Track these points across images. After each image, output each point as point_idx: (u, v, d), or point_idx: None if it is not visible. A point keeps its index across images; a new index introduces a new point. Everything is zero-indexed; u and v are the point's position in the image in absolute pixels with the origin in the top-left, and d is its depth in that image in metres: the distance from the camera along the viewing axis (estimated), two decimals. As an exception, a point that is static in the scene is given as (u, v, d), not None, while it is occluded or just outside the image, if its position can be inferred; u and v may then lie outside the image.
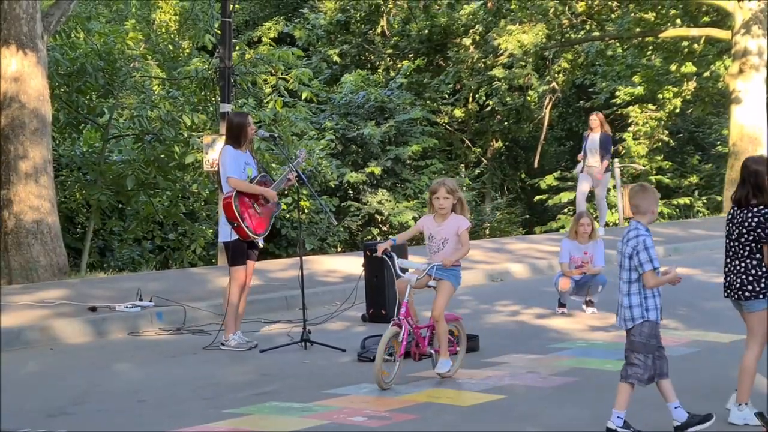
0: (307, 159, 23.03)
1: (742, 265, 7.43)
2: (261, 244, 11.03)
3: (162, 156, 21.34)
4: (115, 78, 21.75)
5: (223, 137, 12.03)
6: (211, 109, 21.58)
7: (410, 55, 37.55)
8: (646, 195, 7.31)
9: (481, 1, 35.53)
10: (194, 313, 12.41)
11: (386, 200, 27.18)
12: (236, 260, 10.73)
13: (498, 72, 35.17)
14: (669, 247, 20.06)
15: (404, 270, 9.24)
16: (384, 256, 9.15)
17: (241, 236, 10.61)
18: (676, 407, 7.29)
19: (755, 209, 7.33)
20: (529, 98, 37.94)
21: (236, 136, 10.78)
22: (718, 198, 35.32)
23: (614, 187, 33.02)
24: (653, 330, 7.31)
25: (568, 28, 35.27)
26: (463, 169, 38.08)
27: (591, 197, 21.36)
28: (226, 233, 10.69)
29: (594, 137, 19.66)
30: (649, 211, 7.29)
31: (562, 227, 35.85)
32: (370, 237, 26.56)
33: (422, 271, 9.03)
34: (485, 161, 40.08)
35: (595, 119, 19.83)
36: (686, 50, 34.87)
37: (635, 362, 7.24)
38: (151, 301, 12.64)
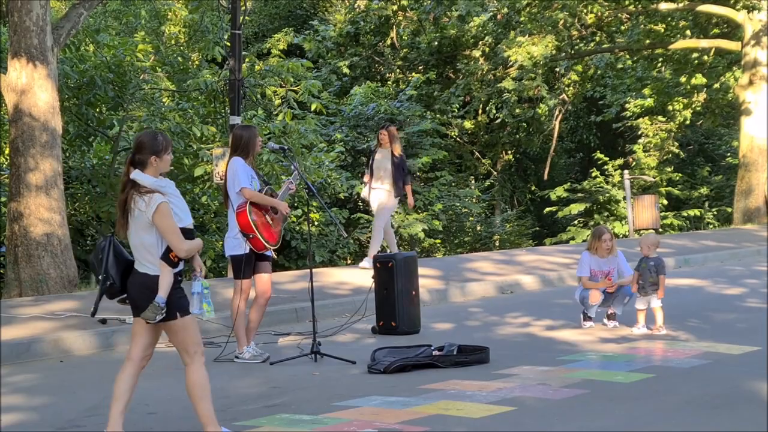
0: (314, 168, 23.05)
1: None
2: (272, 255, 11.03)
3: (171, 168, 21.35)
4: (125, 90, 21.78)
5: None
6: (221, 121, 21.60)
7: (420, 67, 37.57)
8: None
9: (491, 13, 35.53)
10: (204, 325, 12.38)
11: (396, 212, 27.16)
12: (243, 273, 10.71)
13: (507, 84, 35.17)
14: (679, 259, 20.03)
15: None
16: None
17: (256, 248, 10.58)
18: None
19: None
20: (539, 111, 37.95)
21: (245, 150, 10.78)
22: (728, 209, 35.28)
23: (624, 198, 33.02)
24: None
25: (578, 40, 35.26)
26: (473, 181, 38.07)
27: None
28: (232, 246, 10.67)
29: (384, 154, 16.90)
30: None
31: (572, 239, 35.86)
32: (380, 249, 26.54)
33: None
34: (495, 173, 40.08)
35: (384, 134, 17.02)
36: (696, 62, 34.85)
37: None
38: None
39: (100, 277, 7.06)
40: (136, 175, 6.92)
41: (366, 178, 17.21)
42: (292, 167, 11.63)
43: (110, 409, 7.14)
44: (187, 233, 7.00)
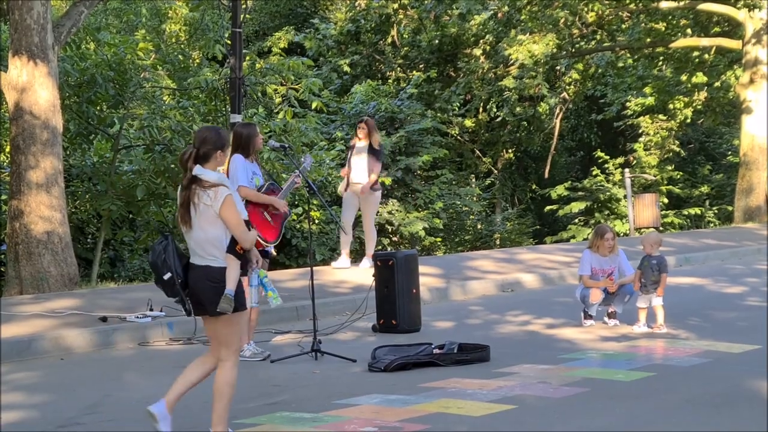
0: (314, 167, 23.03)
1: None
2: (272, 252, 11.02)
3: (172, 166, 21.34)
4: (126, 88, 21.76)
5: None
6: (222, 119, 21.58)
7: (421, 66, 37.55)
8: None
9: (492, 12, 35.52)
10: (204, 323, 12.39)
11: (396, 210, 27.15)
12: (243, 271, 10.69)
13: (508, 82, 35.16)
14: (680, 257, 20.03)
15: None
16: None
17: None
18: None
19: None
20: (540, 109, 37.95)
21: (245, 147, 10.78)
22: (729, 208, 35.28)
23: (625, 197, 33.03)
24: None
25: (579, 39, 35.26)
26: (474, 180, 38.06)
27: None
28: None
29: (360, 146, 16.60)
30: None
31: (573, 237, 35.87)
32: (380, 247, 26.55)
33: None
34: (496, 172, 40.08)
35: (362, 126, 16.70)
36: (697, 60, 34.86)
37: None
38: (161, 311, 12.63)
39: (165, 277, 7.00)
40: (199, 170, 6.97)
41: (343, 172, 16.81)
42: (302, 159, 11.58)
43: (171, 389, 7.20)
44: (245, 225, 7.13)
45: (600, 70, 37.97)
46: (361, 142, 16.56)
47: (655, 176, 37.49)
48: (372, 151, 16.42)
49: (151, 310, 12.67)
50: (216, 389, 7.11)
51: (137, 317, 12.38)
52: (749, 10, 29.67)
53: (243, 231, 6.93)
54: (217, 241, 6.96)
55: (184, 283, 7.04)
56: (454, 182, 31.90)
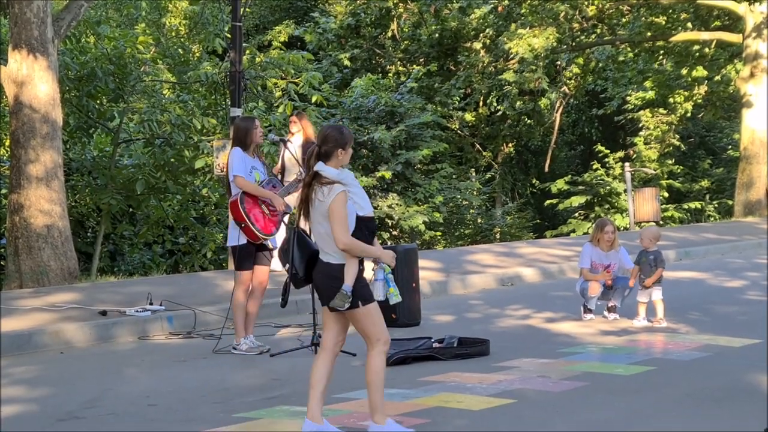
0: None
1: None
2: (273, 245, 10.98)
3: (172, 160, 21.34)
4: (126, 82, 21.77)
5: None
6: (222, 113, 21.58)
7: (421, 60, 37.53)
8: None
9: (492, 5, 35.49)
10: (204, 317, 12.40)
11: (396, 204, 27.12)
12: (242, 264, 10.70)
13: (508, 76, 35.13)
14: (680, 251, 20.02)
15: None
16: None
17: (249, 238, 10.56)
18: None
19: None
20: (541, 103, 37.94)
21: (242, 140, 10.76)
22: (729, 202, 35.30)
23: (625, 191, 33.01)
24: None
25: (579, 32, 35.24)
26: (474, 174, 38.05)
27: None
28: (234, 237, 10.67)
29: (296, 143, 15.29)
30: None
31: (573, 231, 35.87)
32: (380, 241, 26.48)
33: None
34: (496, 166, 40.07)
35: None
36: (697, 54, 34.85)
37: None
38: (161, 305, 12.64)
39: (285, 268, 7.32)
40: (319, 166, 7.05)
41: (276, 170, 15.44)
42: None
43: (308, 397, 7.21)
44: (369, 221, 7.20)
45: (600, 64, 37.97)
46: (295, 137, 15.42)
47: (655, 170, 37.48)
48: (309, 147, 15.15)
49: (151, 304, 12.67)
50: (367, 380, 7.20)
51: (137, 311, 12.38)
52: (749, 4, 29.65)
53: (342, 231, 6.97)
54: (332, 237, 7.05)
55: (302, 277, 7.24)
56: (454, 176, 31.88)
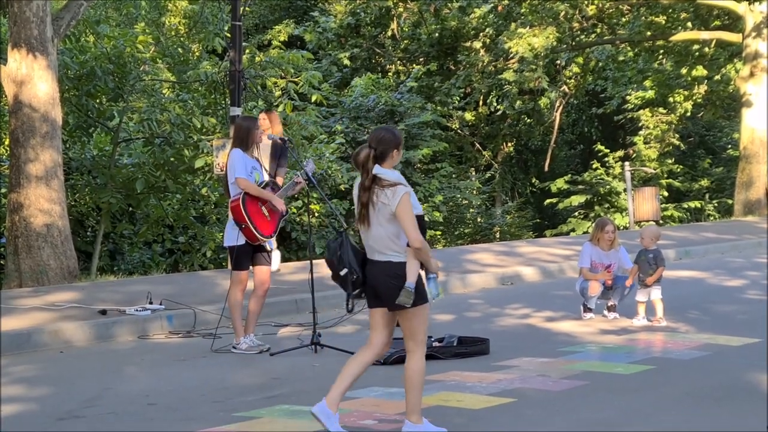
0: (314, 160, 23.00)
1: None
2: (270, 246, 10.99)
3: (172, 159, 21.32)
4: (125, 81, 21.75)
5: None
6: (221, 112, 21.55)
7: (420, 59, 37.53)
8: None
9: (492, 5, 35.49)
10: (204, 317, 12.40)
11: (396, 204, 27.14)
12: (239, 264, 10.70)
13: (508, 75, 35.14)
14: (680, 251, 20.02)
15: None
16: None
17: (249, 239, 10.57)
18: None
19: None
20: (541, 103, 37.94)
21: (243, 140, 10.75)
22: (729, 201, 35.29)
23: (624, 190, 33.01)
24: None
25: (579, 32, 35.24)
26: (474, 173, 38.04)
27: None
28: (232, 237, 10.67)
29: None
30: None
31: (572, 230, 35.87)
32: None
33: None
34: (496, 165, 40.08)
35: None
36: (697, 54, 34.86)
37: None
38: (161, 304, 12.64)
39: (341, 273, 7.22)
40: (378, 169, 7.09)
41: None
42: (304, 163, 11.46)
43: (332, 387, 7.24)
44: (421, 219, 7.25)
45: (600, 64, 37.97)
46: (264, 135, 13.36)
47: (655, 170, 37.48)
48: (278, 146, 14.74)
49: (151, 303, 12.66)
50: (406, 380, 7.23)
51: (137, 310, 12.38)
52: (749, 4, 29.65)
53: (414, 230, 7.02)
54: (395, 236, 7.09)
55: (361, 279, 7.24)
56: (454, 175, 31.89)
